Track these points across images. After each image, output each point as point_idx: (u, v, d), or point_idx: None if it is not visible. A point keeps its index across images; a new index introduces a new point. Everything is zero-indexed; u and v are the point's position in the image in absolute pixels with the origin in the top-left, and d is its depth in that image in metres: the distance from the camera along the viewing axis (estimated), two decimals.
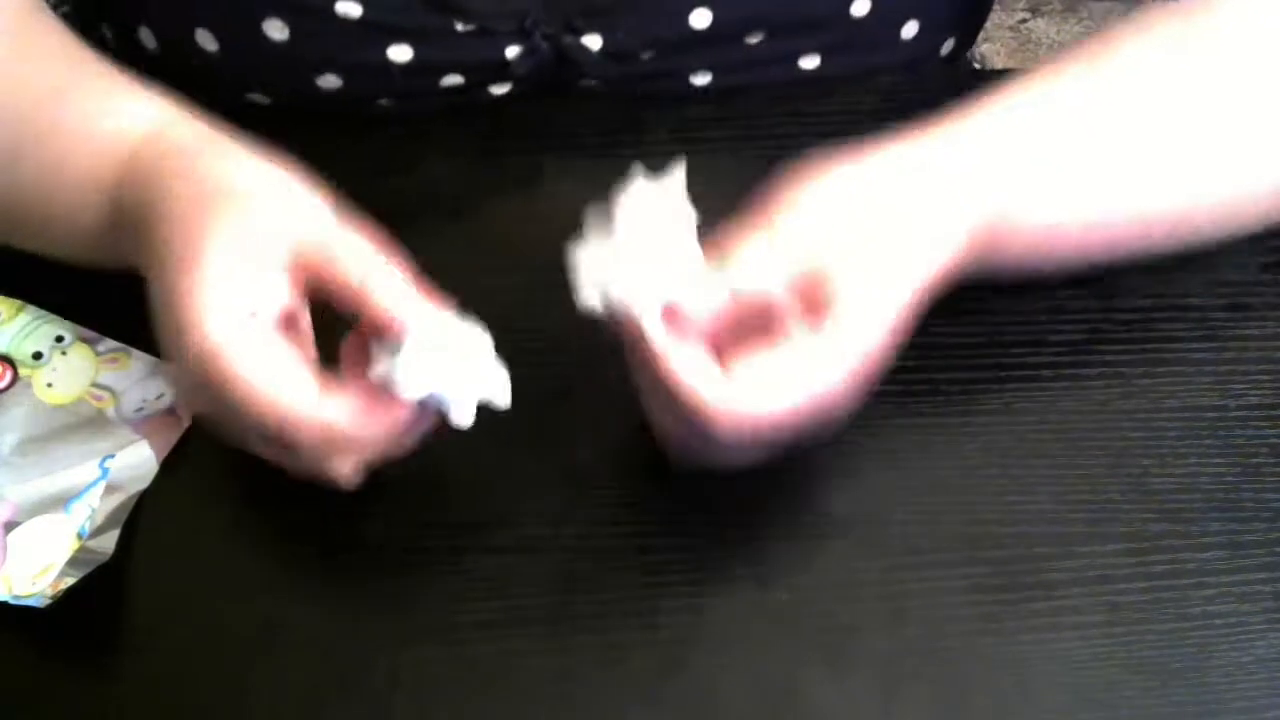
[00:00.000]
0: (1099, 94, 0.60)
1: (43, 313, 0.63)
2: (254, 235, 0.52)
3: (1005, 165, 0.58)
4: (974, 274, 0.58)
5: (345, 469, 0.53)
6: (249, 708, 0.53)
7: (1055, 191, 0.59)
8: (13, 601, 0.54)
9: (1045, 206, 0.59)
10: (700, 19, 0.69)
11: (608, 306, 0.51)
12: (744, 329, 0.52)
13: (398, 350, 0.51)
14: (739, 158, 0.69)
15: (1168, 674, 0.53)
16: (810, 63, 0.72)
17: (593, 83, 0.71)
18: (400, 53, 0.68)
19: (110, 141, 0.58)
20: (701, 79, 0.72)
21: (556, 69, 0.70)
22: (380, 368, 0.51)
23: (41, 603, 0.54)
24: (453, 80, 0.69)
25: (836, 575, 0.56)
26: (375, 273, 0.52)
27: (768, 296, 0.52)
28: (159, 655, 0.54)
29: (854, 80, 0.72)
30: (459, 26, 0.67)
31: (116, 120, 0.58)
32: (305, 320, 0.55)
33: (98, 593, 0.54)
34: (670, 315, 0.51)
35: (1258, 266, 0.65)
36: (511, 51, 0.68)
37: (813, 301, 0.52)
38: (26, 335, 0.62)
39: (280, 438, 0.51)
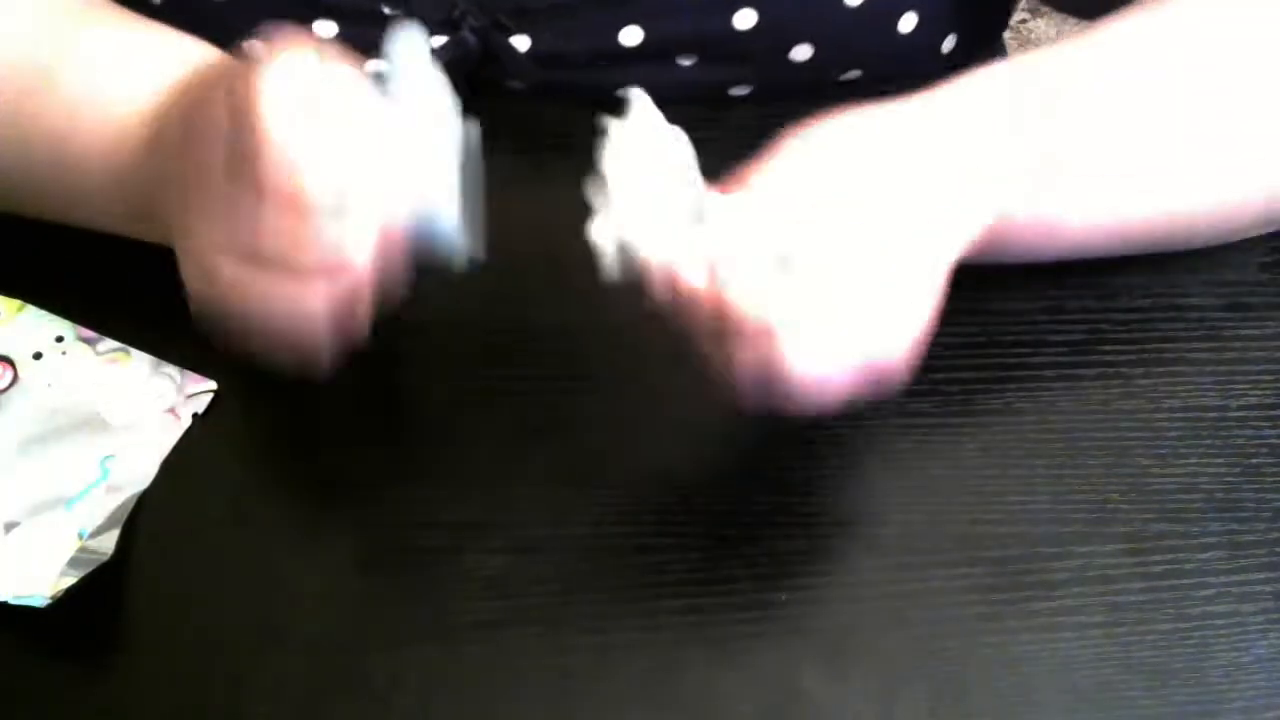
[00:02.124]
0: (1104, 86, 0.59)
1: (43, 313, 0.63)
2: None
3: (1013, 159, 0.57)
4: (974, 260, 0.57)
5: (321, 299, 0.49)
6: (249, 708, 0.53)
7: (1059, 188, 0.58)
8: (13, 601, 0.54)
9: (1049, 202, 0.58)
10: (630, 36, 0.68)
11: (630, 266, 0.50)
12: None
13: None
14: (739, 158, 0.69)
15: (1168, 674, 0.53)
16: (741, 92, 0.71)
17: (519, 85, 0.70)
18: (325, 28, 0.67)
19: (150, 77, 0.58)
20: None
21: (483, 67, 0.69)
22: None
23: (41, 603, 0.54)
24: (378, 65, 0.69)
25: (836, 575, 0.56)
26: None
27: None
28: (159, 655, 0.54)
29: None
30: (385, 9, 0.67)
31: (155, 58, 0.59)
32: None
33: (98, 593, 0.54)
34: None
35: (1257, 266, 0.65)
36: (437, 41, 0.68)
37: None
38: (26, 335, 0.62)
39: (285, 200, 0.48)
